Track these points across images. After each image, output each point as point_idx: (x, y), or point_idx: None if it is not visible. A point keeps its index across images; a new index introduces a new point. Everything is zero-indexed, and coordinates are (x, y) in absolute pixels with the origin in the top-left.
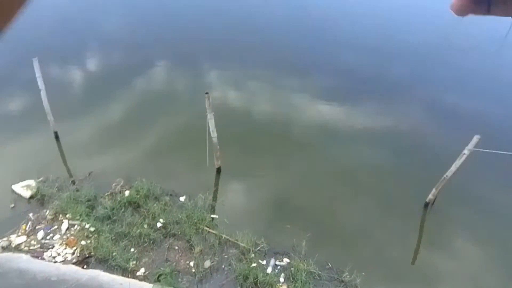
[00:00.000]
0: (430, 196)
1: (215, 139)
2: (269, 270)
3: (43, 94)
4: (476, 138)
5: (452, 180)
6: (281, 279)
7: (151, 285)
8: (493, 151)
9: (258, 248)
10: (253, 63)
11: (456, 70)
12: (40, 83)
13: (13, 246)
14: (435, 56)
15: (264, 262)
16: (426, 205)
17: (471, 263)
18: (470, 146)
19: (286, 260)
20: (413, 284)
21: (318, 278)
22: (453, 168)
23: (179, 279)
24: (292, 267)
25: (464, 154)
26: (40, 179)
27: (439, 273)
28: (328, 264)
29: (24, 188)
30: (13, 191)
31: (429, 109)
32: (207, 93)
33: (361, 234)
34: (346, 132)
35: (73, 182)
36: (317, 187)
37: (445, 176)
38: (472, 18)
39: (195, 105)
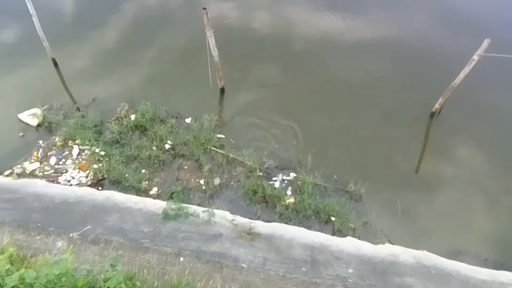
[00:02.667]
0: (437, 106)
1: (216, 58)
2: (277, 184)
3: (35, 20)
4: (486, 43)
5: (460, 88)
6: (289, 192)
7: (165, 202)
8: (505, 55)
9: (265, 166)
10: None
11: None
12: (31, 9)
13: (28, 172)
14: None
15: (272, 178)
16: (432, 114)
17: (475, 169)
18: (480, 51)
19: (292, 174)
20: (417, 192)
21: (324, 189)
22: (462, 75)
23: (191, 196)
24: (298, 180)
25: (474, 60)
26: (45, 107)
27: (443, 180)
28: (334, 177)
29: (30, 117)
30: (20, 120)
31: (436, 14)
32: (204, 8)
33: (366, 146)
34: (349, 43)
35: (78, 109)
36: (321, 100)
37: (452, 84)
38: None
39: (194, 23)
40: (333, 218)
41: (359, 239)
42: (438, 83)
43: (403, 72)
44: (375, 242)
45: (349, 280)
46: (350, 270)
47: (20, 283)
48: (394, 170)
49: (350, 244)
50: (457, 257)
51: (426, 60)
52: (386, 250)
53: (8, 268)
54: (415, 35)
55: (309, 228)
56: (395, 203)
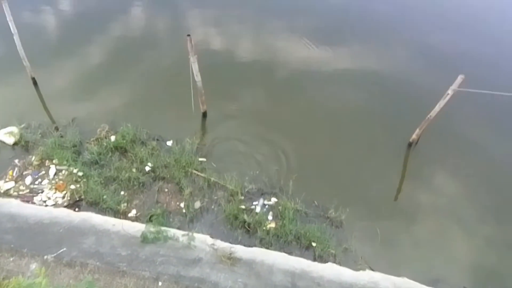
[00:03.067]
0: (414, 136)
1: (199, 83)
2: (257, 209)
3: (16, 38)
4: (460, 78)
5: (436, 120)
6: (270, 217)
7: (144, 225)
8: (477, 90)
9: (246, 190)
10: (234, 1)
11: (441, 9)
12: (12, 28)
13: (2, 191)
14: None
15: (253, 203)
16: (410, 145)
17: (452, 199)
18: (454, 86)
19: (274, 199)
20: (396, 219)
21: (305, 215)
22: (437, 108)
23: (171, 219)
24: (279, 206)
25: (448, 94)
26: (22, 125)
27: (421, 208)
28: (314, 202)
29: (7, 135)
30: None
31: (413, 49)
32: (188, 35)
33: (346, 174)
34: (331, 73)
35: (57, 128)
36: (303, 126)
37: (429, 116)
38: None
39: (177, 48)
40: (314, 244)
41: (340, 265)
42: (415, 114)
43: (382, 103)
44: (355, 268)
45: None
46: None
47: None
48: (373, 197)
49: (331, 271)
50: (436, 284)
51: (404, 92)
52: (366, 277)
53: None
54: (394, 68)
55: (290, 253)
56: (375, 230)
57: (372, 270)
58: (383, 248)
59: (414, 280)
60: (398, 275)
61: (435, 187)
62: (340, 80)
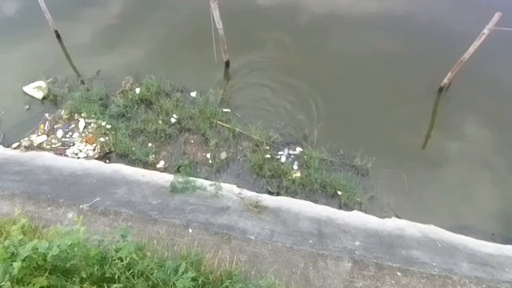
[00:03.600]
0: (445, 81)
1: (221, 31)
2: (283, 159)
3: None
4: (497, 16)
5: (469, 63)
6: (295, 167)
7: (172, 175)
8: None
9: (271, 139)
10: None
11: None
12: None
13: (35, 145)
14: None
15: (278, 153)
16: (441, 90)
17: (483, 146)
18: (490, 24)
19: (299, 149)
20: (424, 166)
21: (330, 164)
22: (471, 49)
23: (198, 170)
24: (305, 155)
25: (484, 33)
26: (49, 80)
27: (450, 156)
28: (340, 151)
29: (35, 90)
30: (25, 93)
31: None
32: None
33: (372, 121)
34: (357, 17)
35: (83, 82)
36: (328, 74)
37: (462, 58)
38: None
39: None
40: (339, 192)
41: (366, 213)
42: (447, 58)
43: (412, 46)
44: (381, 216)
45: (356, 252)
46: (357, 243)
47: (33, 253)
48: (401, 145)
49: (356, 218)
50: (463, 231)
51: (434, 34)
52: (392, 224)
53: (21, 239)
54: (424, 8)
55: (315, 202)
56: (401, 178)
57: (398, 217)
58: (409, 196)
59: (441, 227)
60: (425, 223)
61: (466, 134)
62: (367, 24)
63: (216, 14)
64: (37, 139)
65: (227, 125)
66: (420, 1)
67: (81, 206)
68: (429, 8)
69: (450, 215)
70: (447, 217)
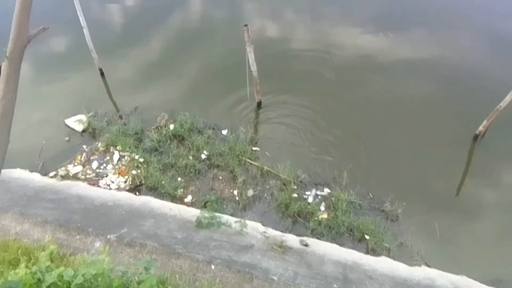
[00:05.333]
0: (481, 128)
1: (255, 73)
2: (310, 199)
3: (85, 31)
4: None
5: (506, 111)
6: (322, 208)
7: (198, 210)
8: None
9: (299, 179)
10: None
11: None
12: (82, 21)
13: (71, 175)
14: None
15: (305, 193)
16: (476, 137)
17: None
18: None
19: (327, 190)
20: (457, 215)
21: (359, 207)
22: (508, 98)
23: (224, 206)
24: (332, 197)
25: None
26: (90, 114)
27: (485, 205)
28: (369, 195)
29: (76, 123)
30: (67, 125)
31: (483, 37)
32: (246, 25)
33: (404, 166)
34: (391, 63)
35: (121, 117)
36: (361, 118)
37: (498, 107)
38: None
39: (234, 38)
40: (367, 237)
41: (394, 259)
42: (483, 105)
43: (446, 93)
44: (411, 264)
45: None
46: None
47: (59, 281)
48: (433, 191)
49: (384, 264)
50: (497, 285)
51: (471, 81)
52: (422, 273)
53: (49, 265)
54: (460, 56)
55: (341, 245)
56: (433, 226)
57: (429, 266)
58: (441, 245)
59: (474, 279)
60: (457, 273)
61: (502, 184)
62: (401, 70)
63: (251, 57)
64: (73, 169)
65: (256, 163)
66: (455, 47)
67: (108, 236)
68: (465, 54)
69: (484, 267)
70: (480, 269)
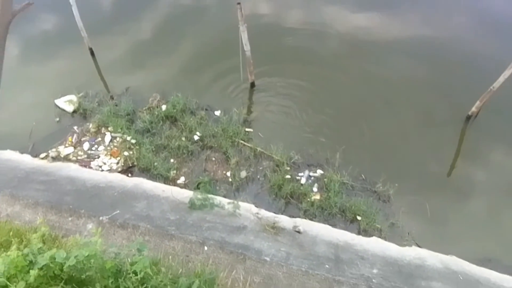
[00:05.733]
0: (473, 109)
1: (248, 53)
2: (303, 180)
3: (74, 9)
4: None
5: (499, 92)
6: (315, 189)
7: (191, 192)
8: None
9: (292, 160)
10: None
11: None
12: None
13: (62, 156)
14: None
15: (298, 174)
16: (468, 118)
17: (509, 176)
18: None
19: (319, 171)
20: (448, 195)
21: (351, 188)
22: (501, 79)
23: (217, 187)
24: (325, 178)
25: None
26: (81, 94)
27: (476, 186)
28: (362, 176)
29: (66, 103)
30: (57, 106)
31: (476, 17)
32: (238, 3)
33: (396, 147)
34: (383, 43)
35: (112, 97)
36: (353, 98)
37: (491, 87)
38: None
39: (227, 17)
40: (359, 218)
41: (386, 240)
42: (476, 86)
43: (439, 74)
44: (401, 244)
45: (373, 280)
46: (375, 271)
47: (51, 262)
48: (425, 172)
49: (375, 245)
50: (487, 264)
51: (462, 62)
52: (412, 253)
53: (40, 247)
54: (451, 36)
55: (334, 226)
56: (424, 206)
57: (419, 246)
58: (432, 225)
59: (464, 259)
60: (447, 253)
61: (493, 164)
62: (393, 50)
63: (244, 36)
64: (64, 150)
65: (249, 145)
66: (447, 27)
67: (101, 218)
68: (457, 34)
69: (474, 246)
70: (470, 248)
